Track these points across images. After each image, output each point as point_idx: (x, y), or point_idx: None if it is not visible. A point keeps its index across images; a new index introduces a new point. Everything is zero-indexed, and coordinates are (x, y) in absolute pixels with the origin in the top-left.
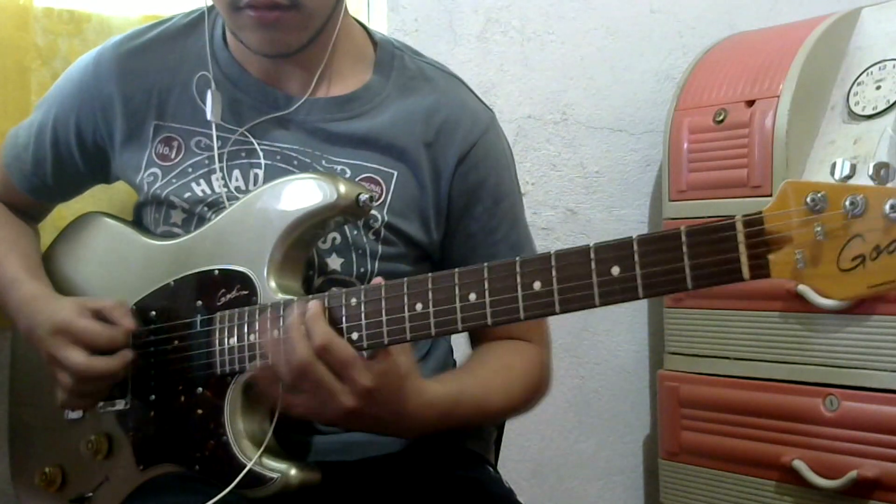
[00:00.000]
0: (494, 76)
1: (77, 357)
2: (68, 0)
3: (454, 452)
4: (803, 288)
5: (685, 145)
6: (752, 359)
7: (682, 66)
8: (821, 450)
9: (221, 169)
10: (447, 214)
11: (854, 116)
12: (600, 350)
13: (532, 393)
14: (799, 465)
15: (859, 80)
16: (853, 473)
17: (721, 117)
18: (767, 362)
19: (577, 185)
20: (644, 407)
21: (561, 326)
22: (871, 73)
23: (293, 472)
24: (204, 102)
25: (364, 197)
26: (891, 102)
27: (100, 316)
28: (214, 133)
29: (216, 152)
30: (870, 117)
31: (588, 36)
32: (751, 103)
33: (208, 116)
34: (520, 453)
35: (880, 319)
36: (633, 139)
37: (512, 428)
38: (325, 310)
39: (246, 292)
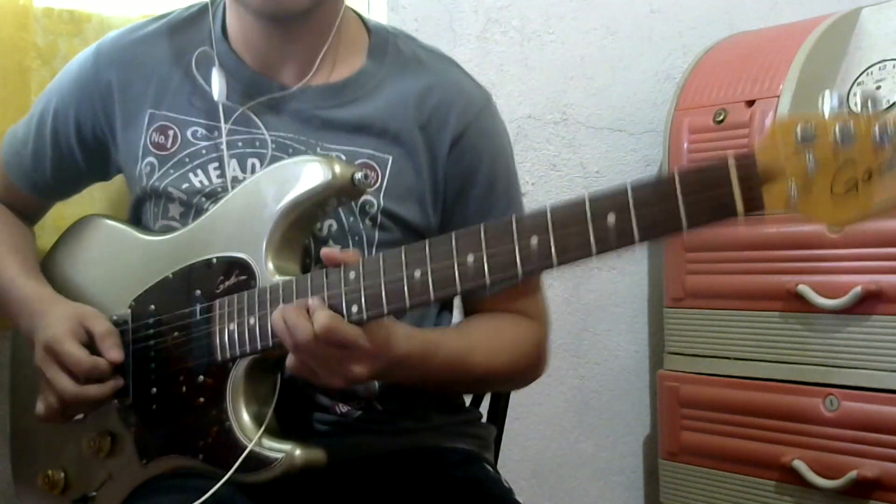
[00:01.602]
0: (494, 76)
1: (64, 382)
2: (68, 0)
3: (453, 452)
4: (803, 288)
5: (685, 145)
6: (752, 359)
7: (682, 66)
8: (821, 450)
9: (219, 158)
10: (443, 198)
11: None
12: (600, 350)
13: (522, 364)
14: (799, 465)
15: (859, 80)
16: (853, 473)
17: (721, 117)
18: (767, 362)
19: (577, 185)
20: (644, 407)
21: (561, 326)
22: (871, 73)
23: (297, 451)
24: (206, 82)
25: (359, 175)
26: (891, 102)
27: (92, 338)
28: (221, 112)
29: (223, 126)
30: None
31: (588, 36)
32: (751, 103)
33: (215, 96)
34: (520, 453)
35: (880, 319)
36: (633, 139)
37: (512, 428)
38: (323, 299)
39: (245, 277)
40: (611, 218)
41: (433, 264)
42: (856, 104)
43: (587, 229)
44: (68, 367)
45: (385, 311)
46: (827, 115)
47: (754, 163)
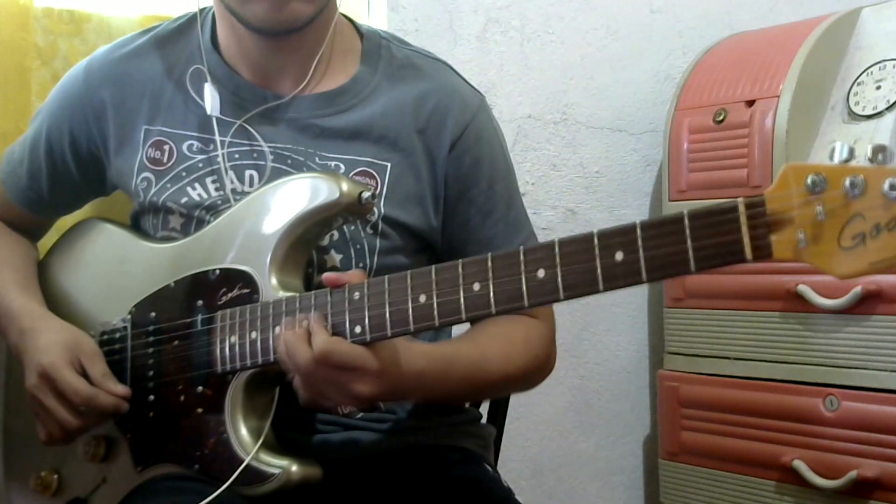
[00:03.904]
0: (494, 76)
1: (63, 413)
2: (68, 0)
3: (453, 452)
4: (803, 288)
5: (685, 145)
6: (752, 359)
7: (682, 66)
8: (821, 450)
9: (216, 171)
10: (444, 200)
11: (854, 116)
12: (600, 350)
13: (534, 365)
14: (799, 465)
15: (859, 80)
16: (853, 473)
17: (721, 117)
18: (767, 362)
19: (577, 185)
20: (644, 407)
21: (561, 326)
22: (871, 73)
23: (294, 467)
24: (199, 97)
25: (366, 195)
26: (891, 102)
27: (84, 370)
28: (216, 126)
29: (218, 140)
30: (870, 117)
31: (588, 36)
32: (751, 103)
33: (208, 111)
34: (520, 453)
35: (880, 319)
36: (633, 139)
37: (512, 428)
38: (326, 317)
39: (247, 290)
40: (619, 255)
41: (439, 291)
42: (867, 156)
43: (595, 266)
44: (64, 396)
45: (389, 333)
46: (838, 166)
47: (764, 210)
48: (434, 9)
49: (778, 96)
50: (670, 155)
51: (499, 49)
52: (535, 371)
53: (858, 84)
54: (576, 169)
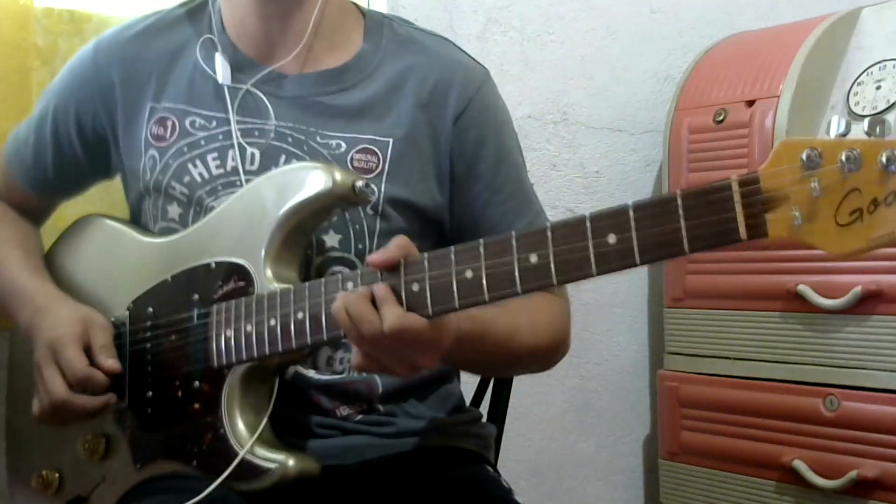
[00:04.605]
0: (494, 76)
1: (57, 385)
2: (68, 0)
3: (453, 452)
4: (803, 288)
5: (685, 145)
6: (752, 359)
7: (682, 66)
8: (821, 450)
9: (218, 148)
10: (451, 176)
11: (854, 116)
12: (600, 350)
13: (557, 342)
14: (799, 465)
15: (859, 80)
16: (853, 473)
17: (721, 117)
18: (767, 362)
19: (577, 185)
20: (644, 407)
21: None
22: (871, 73)
23: (291, 462)
24: (209, 66)
25: (360, 184)
26: (891, 102)
27: (90, 347)
28: (227, 95)
29: (231, 114)
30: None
31: (588, 36)
32: (751, 103)
33: (220, 79)
34: (520, 453)
35: (880, 319)
36: (633, 139)
37: (512, 428)
38: (392, 289)
39: (243, 283)
40: (611, 238)
41: (431, 285)
42: (864, 129)
43: (588, 251)
44: (64, 371)
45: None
46: (833, 140)
47: (758, 188)
48: (434, 9)
49: (778, 96)
50: (670, 155)
51: (499, 49)
52: (557, 348)
53: (858, 84)
54: (576, 169)
